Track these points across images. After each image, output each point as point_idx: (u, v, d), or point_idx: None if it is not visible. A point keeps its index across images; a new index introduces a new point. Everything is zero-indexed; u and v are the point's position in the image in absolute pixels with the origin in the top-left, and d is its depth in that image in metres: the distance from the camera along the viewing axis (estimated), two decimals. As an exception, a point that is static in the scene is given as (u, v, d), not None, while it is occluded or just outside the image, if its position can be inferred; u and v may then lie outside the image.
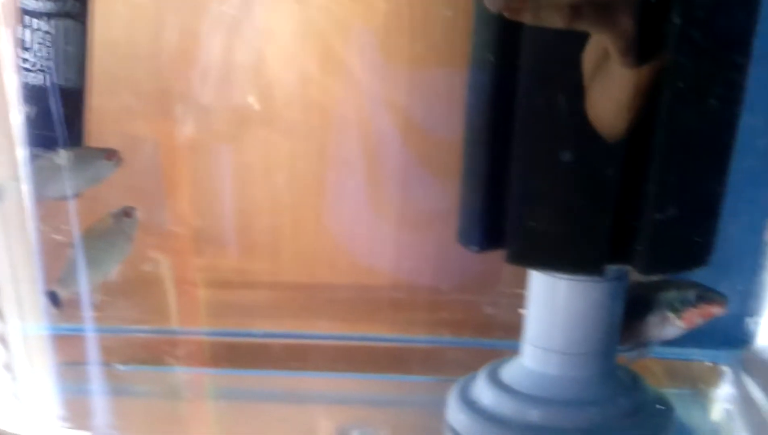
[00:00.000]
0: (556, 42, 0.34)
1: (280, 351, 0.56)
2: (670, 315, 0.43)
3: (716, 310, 0.42)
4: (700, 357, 0.52)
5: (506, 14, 0.33)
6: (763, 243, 0.51)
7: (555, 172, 0.35)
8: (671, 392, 0.51)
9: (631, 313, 0.44)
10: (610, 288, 0.41)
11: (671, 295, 0.43)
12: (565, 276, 0.40)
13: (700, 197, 0.37)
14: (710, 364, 0.52)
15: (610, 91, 0.34)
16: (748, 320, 0.51)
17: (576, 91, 0.35)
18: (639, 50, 0.33)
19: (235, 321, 0.56)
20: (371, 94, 0.52)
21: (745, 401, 0.49)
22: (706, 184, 0.37)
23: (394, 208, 0.55)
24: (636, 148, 0.35)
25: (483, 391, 0.45)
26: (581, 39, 0.34)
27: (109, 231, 0.49)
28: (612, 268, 0.40)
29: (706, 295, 0.43)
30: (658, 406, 0.45)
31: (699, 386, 0.52)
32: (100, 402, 0.53)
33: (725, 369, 0.52)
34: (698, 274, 0.47)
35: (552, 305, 0.42)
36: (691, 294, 0.43)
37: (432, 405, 0.48)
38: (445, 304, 0.56)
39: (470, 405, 0.45)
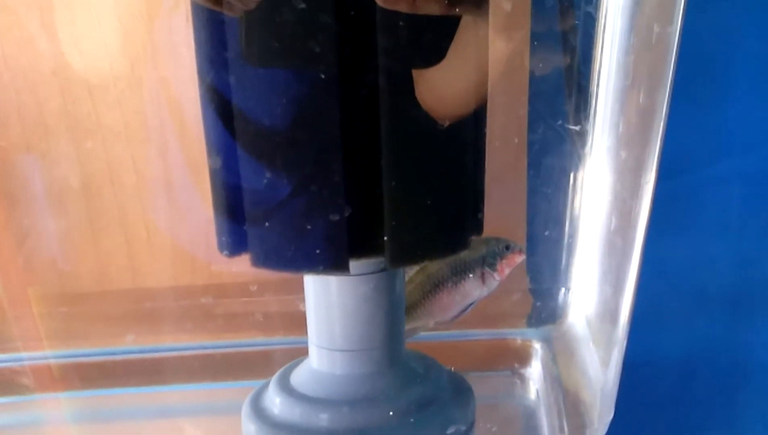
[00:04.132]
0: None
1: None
2: (487, 270, 0.45)
3: (519, 257, 0.46)
4: (514, 335, 0.51)
5: (380, 3, 0.30)
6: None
7: (278, 173, 0.33)
8: (488, 375, 0.51)
9: (453, 280, 0.46)
10: (380, 279, 0.39)
11: (482, 253, 0.45)
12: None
13: (446, 186, 0.35)
14: (520, 342, 0.51)
15: (470, 70, 0.34)
16: (559, 295, 0.50)
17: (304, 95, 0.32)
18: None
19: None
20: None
21: (553, 380, 0.48)
22: (452, 173, 0.36)
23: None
24: (366, 141, 0.33)
25: (272, 398, 0.43)
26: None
27: None
28: (373, 261, 0.38)
29: (510, 244, 0.46)
30: (453, 392, 0.44)
31: (515, 366, 0.51)
32: None
33: (537, 346, 0.51)
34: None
35: (326, 303, 0.40)
36: (498, 247, 0.45)
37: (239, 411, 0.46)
38: (258, 304, 0.53)
39: (259, 413, 0.43)
